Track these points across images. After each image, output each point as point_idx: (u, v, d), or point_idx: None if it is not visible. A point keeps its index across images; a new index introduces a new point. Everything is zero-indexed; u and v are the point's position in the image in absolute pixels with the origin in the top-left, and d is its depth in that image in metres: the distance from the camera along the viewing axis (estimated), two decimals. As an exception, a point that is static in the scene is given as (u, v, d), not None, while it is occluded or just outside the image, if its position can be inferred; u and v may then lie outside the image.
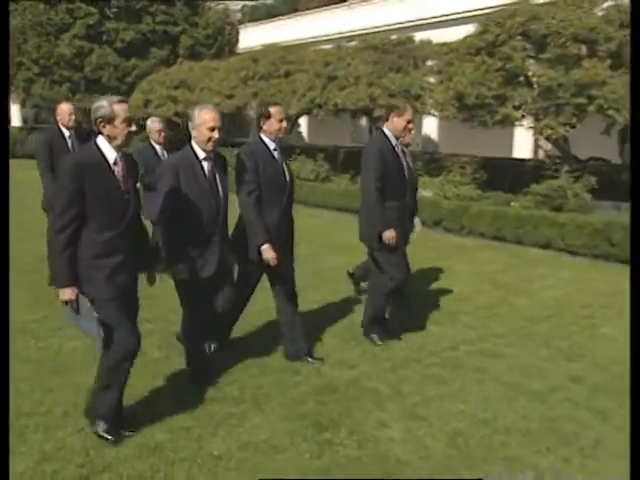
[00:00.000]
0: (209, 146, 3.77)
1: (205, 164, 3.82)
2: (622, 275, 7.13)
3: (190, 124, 3.82)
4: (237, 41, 27.08)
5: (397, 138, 4.71)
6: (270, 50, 17.43)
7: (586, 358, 4.60)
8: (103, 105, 3.09)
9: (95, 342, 3.22)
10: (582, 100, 9.19)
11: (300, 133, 21.55)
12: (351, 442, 3.33)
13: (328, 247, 8.43)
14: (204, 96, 17.69)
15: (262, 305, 5.00)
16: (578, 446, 3.32)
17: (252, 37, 25.29)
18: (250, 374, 4.21)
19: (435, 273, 7.09)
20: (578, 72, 9.27)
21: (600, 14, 9.73)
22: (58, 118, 6.26)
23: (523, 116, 10.50)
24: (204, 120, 3.73)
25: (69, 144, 6.21)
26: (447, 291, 6.39)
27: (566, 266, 7.60)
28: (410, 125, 4.71)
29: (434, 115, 13.83)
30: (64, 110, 6.24)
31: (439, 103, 12.03)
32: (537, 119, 10.09)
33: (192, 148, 3.84)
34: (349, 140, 19.10)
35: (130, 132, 3.14)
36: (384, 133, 4.74)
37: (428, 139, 18.67)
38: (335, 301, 5.93)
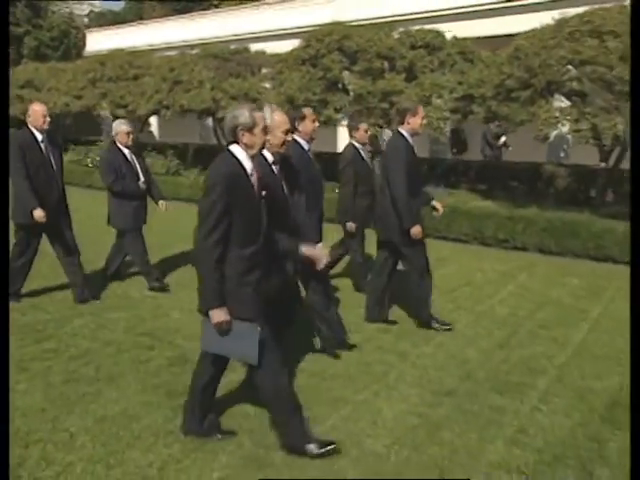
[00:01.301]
0: (283, 149, 3.24)
1: (274, 168, 3.26)
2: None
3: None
4: (84, 45, 25.02)
5: (412, 137, 4.44)
6: (117, 54, 16.35)
7: (393, 313, 4.95)
8: (244, 113, 2.66)
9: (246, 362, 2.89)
10: (386, 105, 9.83)
11: (151, 132, 20.56)
12: (202, 403, 3.33)
13: (179, 236, 8.20)
14: (52, 96, 16.17)
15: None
16: (385, 382, 3.62)
17: (99, 42, 23.44)
18: (106, 354, 4.01)
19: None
20: (382, 82, 9.90)
21: (396, 37, 10.44)
22: (29, 120, 4.81)
23: (342, 117, 10.96)
24: (279, 123, 3.14)
25: (43, 149, 4.82)
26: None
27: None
28: (424, 121, 4.49)
29: (270, 116, 13.94)
30: (37, 111, 4.79)
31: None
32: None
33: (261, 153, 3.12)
34: (198, 138, 18.60)
35: (265, 141, 2.76)
36: (401, 134, 4.43)
37: (266, 137, 18.75)
38: (185, 281, 5.82)
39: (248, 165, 2.70)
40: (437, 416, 3.22)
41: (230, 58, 14.26)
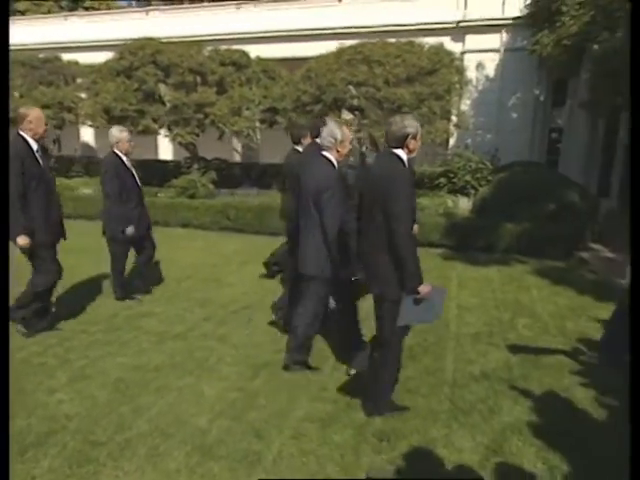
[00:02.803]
0: (343, 157, 3.38)
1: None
2: (241, 241, 7.86)
3: (330, 139, 3.28)
4: None
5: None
6: None
7: (214, 302, 4.96)
8: (414, 124, 2.85)
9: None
10: (201, 116, 9.67)
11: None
12: (22, 413, 2.94)
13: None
14: None
15: None
16: (207, 366, 3.60)
17: None
18: None
19: (97, 255, 6.62)
20: (195, 95, 9.71)
21: (206, 54, 10.31)
22: (31, 126, 3.72)
23: (161, 127, 10.49)
24: (348, 136, 3.36)
25: (40, 161, 3.80)
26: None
27: (200, 238, 7.99)
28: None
29: (89, 125, 12.72)
30: (40, 117, 3.76)
31: (90, 115, 11.13)
32: (170, 129, 10.23)
33: (330, 161, 3.33)
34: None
35: None
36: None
37: (87, 145, 17.09)
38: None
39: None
40: (254, 387, 3.31)
41: (40, 66, 12.66)
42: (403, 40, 8.90)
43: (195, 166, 10.22)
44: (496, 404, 3.16)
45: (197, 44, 10.55)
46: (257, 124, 10.01)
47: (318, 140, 3.80)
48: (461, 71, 8.94)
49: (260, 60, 10.48)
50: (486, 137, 11.49)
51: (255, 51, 10.88)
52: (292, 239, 3.90)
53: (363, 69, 7.95)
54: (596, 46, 7.39)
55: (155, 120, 10.26)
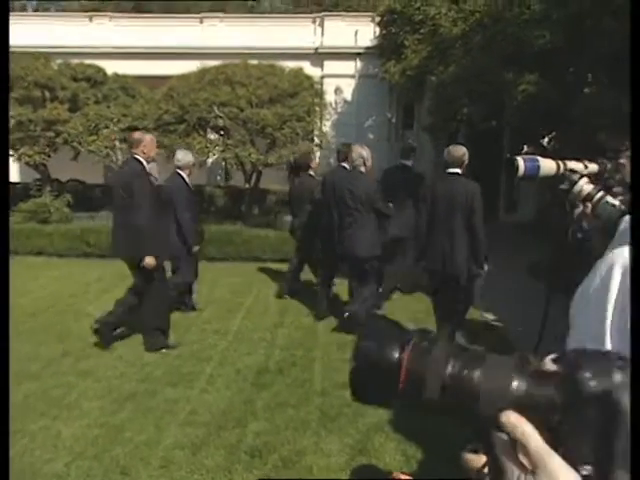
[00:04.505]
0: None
1: None
2: (97, 267, 7.27)
3: (360, 159, 4.50)
4: None
5: None
6: None
7: (74, 335, 4.60)
8: (466, 152, 3.90)
9: None
10: (51, 134, 8.93)
11: None
12: None
13: None
14: None
15: None
16: (65, 404, 3.35)
17: None
18: None
19: None
20: (45, 111, 8.94)
21: (55, 68, 9.57)
22: (145, 150, 4.12)
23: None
24: (370, 155, 4.62)
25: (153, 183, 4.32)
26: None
27: (56, 267, 7.34)
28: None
29: None
30: (152, 141, 4.23)
31: None
32: (15, 148, 9.24)
33: (364, 174, 4.58)
34: None
35: None
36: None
37: None
38: None
39: None
40: (118, 420, 3.17)
41: None
42: (264, 63, 9.20)
43: (47, 188, 9.33)
44: (360, 407, 3.41)
45: (44, 56, 9.70)
46: (117, 143, 9.50)
47: (344, 164, 4.83)
48: (320, 94, 9.50)
49: (118, 76, 10.00)
50: (347, 156, 12.27)
51: (111, 67, 10.34)
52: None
53: (226, 90, 8.04)
54: (433, 78, 8.39)
55: (-5, 137, 9.20)
